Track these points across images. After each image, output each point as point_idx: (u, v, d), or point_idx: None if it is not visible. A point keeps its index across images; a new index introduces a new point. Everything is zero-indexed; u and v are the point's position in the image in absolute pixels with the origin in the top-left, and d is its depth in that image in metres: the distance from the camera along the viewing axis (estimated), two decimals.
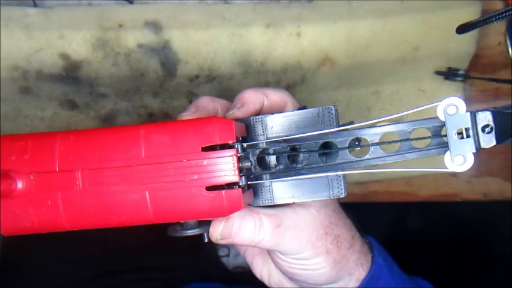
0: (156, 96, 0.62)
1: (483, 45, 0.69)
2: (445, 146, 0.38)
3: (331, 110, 0.41)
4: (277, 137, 0.41)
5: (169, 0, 0.60)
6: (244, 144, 0.38)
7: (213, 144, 0.37)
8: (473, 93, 0.71)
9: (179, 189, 0.36)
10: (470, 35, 0.65)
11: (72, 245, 0.69)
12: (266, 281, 0.50)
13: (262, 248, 0.44)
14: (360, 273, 0.48)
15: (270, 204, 0.43)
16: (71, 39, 0.57)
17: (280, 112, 0.42)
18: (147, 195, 0.36)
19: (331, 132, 0.40)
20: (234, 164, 0.37)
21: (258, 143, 0.41)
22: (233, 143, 0.37)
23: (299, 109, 0.42)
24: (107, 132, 0.38)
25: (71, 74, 0.58)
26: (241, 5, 0.61)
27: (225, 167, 0.36)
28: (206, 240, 0.41)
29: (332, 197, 0.42)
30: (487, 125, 0.37)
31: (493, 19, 0.40)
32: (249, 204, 0.42)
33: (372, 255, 0.50)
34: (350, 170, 0.41)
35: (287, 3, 0.62)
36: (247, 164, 0.38)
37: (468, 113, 0.37)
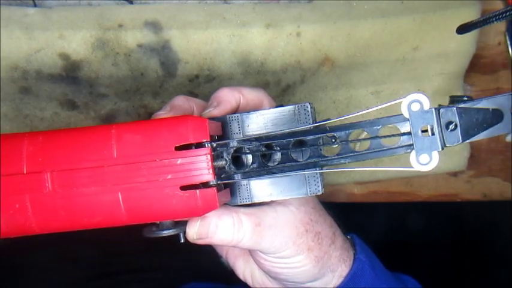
0: (156, 96, 0.62)
1: (483, 45, 0.69)
2: (411, 144, 0.37)
3: (307, 107, 0.41)
4: (253, 135, 0.41)
5: (169, 0, 0.60)
6: (217, 143, 0.38)
7: (187, 143, 0.36)
8: (473, 94, 0.71)
9: (152, 190, 0.36)
10: (470, 35, 0.65)
11: (70, 245, 0.69)
12: (249, 282, 0.49)
13: (242, 248, 0.44)
14: (343, 269, 0.48)
15: (248, 202, 0.43)
16: (70, 39, 0.57)
17: (257, 110, 0.42)
18: (120, 196, 0.36)
19: (303, 130, 0.40)
20: (208, 163, 0.36)
21: (233, 142, 0.40)
22: (207, 141, 0.36)
23: (276, 107, 0.42)
24: (77, 132, 0.37)
25: (71, 74, 0.58)
26: (241, 5, 0.61)
27: (199, 166, 0.36)
28: (182, 240, 0.41)
29: (309, 194, 0.42)
30: (451, 122, 0.36)
31: (493, 19, 0.40)
32: (227, 204, 0.42)
33: (354, 251, 0.49)
34: (318, 169, 0.40)
35: (287, 3, 0.62)
36: (222, 162, 0.38)
37: (433, 110, 0.36)
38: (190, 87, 0.62)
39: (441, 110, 0.36)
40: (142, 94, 0.62)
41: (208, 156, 0.36)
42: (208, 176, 0.36)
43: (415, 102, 0.36)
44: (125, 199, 0.36)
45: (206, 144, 0.36)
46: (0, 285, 0.74)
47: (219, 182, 0.38)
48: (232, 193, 0.42)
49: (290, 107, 0.42)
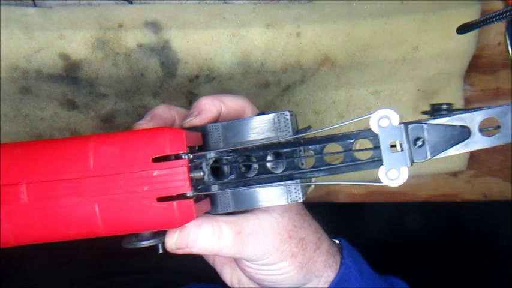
0: (156, 96, 0.62)
1: (483, 45, 0.69)
2: (380, 159, 0.37)
3: (286, 115, 0.41)
4: (233, 146, 0.41)
5: (169, 0, 0.60)
6: (194, 155, 0.38)
7: (164, 155, 0.36)
8: (473, 94, 0.71)
9: (129, 201, 0.36)
10: (470, 35, 0.65)
11: (66, 247, 0.69)
12: None
13: (224, 256, 0.44)
14: (329, 274, 0.48)
15: (229, 211, 0.42)
16: (70, 39, 0.57)
17: (237, 119, 0.42)
18: (97, 208, 0.36)
19: (278, 143, 0.40)
20: (184, 174, 0.36)
21: (210, 153, 0.40)
22: (184, 153, 0.36)
23: (258, 115, 0.42)
24: (54, 144, 0.37)
25: (71, 74, 0.58)
26: (241, 5, 0.61)
27: (175, 177, 0.36)
28: (161, 251, 0.41)
29: (290, 202, 0.42)
30: (419, 138, 0.36)
31: (493, 19, 0.40)
32: (209, 213, 0.42)
33: (341, 256, 0.49)
34: (294, 182, 0.40)
35: (287, 3, 0.62)
36: (199, 174, 0.38)
37: (401, 126, 0.36)
38: (190, 87, 0.62)
39: (410, 126, 0.36)
40: (142, 94, 0.62)
41: (185, 168, 0.36)
42: (185, 187, 0.36)
43: (384, 118, 0.36)
44: (101, 211, 0.36)
45: (183, 156, 0.36)
46: (1, 285, 0.74)
47: (196, 193, 0.38)
48: (213, 202, 0.42)
49: (270, 115, 0.42)
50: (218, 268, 0.51)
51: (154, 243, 0.40)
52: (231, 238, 0.41)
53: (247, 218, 0.43)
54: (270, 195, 0.42)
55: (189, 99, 0.63)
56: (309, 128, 0.41)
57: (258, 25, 0.60)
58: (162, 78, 0.61)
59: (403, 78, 0.67)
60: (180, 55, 0.60)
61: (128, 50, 0.59)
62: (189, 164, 0.37)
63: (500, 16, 0.40)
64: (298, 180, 0.41)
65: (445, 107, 0.51)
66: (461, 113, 0.36)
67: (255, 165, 0.41)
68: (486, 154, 0.72)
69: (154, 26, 0.59)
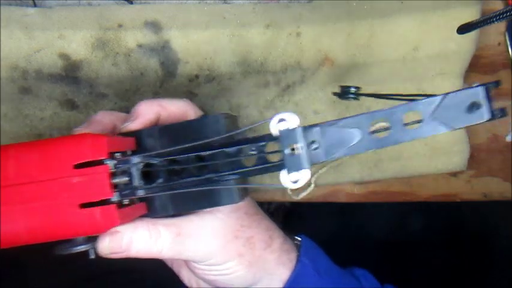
0: (156, 96, 0.62)
1: (483, 45, 0.69)
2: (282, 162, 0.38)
3: (218, 118, 0.41)
4: (169, 147, 0.41)
5: (169, 0, 0.60)
6: (118, 160, 0.38)
7: (85, 161, 0.36)
8: None
9: (52, 209, 0.36)
10: (470, 35, 0.65)
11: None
12: None
13: (165, 258, 0.44)
14: (283, 272, 0.48)
15: (166, 215, 0.43)
16: (70, 39, 0.57)
17: (171, 123, 0.42)
18: (19, 217, 0.36)
19: (198, 146, 0.40)
20: (105, 180, 0.36)
21: (134, 158, 0.40)
22: (106, 159, 0.36)
23: (200, 118, 0.43)
24: None
25: (71, 74, 0.58)
26: (241, 5, 0.61)
27: (97, 183, 0.36)
28: (92, 256, 0.40)
29: (223, 205, 0.42)
30: (313, 141, 0.37)
31: (494, 19, 0.40)
32: (148, 216, 0.42)
33: (298, 254, 0.49)
34: (215, 185, 0.40)
35: (287, 3, 0.62)
36: (124, 179, 0.38)
37: (298, 129, 0.37)
38: (190, 87, 0.62)
39: (305, 129, 0.37)
40: (142, 94, 0.62)
41: (106, 173, 0.36)
42: (106, 193, 0.36)
43: (283, 122, 0.37)
44: (24, 219, 0.36)
45: (107, 162, 0.37)
46: (1, 285, 0.74)
47: (120, 199, 0.38)
48: (153, 206, 0.43)
49: (203, 119, 0.42)
50: (176, 270, 0.51)
51: (87, 248, 0.40)
52: (169, 240, 0.41)
53: (189, 219, 0.43)
54: (205, 198, 0.42)
55: (189, 99, 0.63)
56: (238, 128, 0.41)
57: (258, 25, 0.60)
58: (162, 78, 0.61)
59: (403, 78, 0.67)
60: (180, 55, 0.60)
61: (128, 50, 0.59)
62: (115, 169, 0.37)
63: (500, 16, 0.40)
64: (232, 182, 0.41)
65: (352, 90, 0.52)
66: (354, 116, 0.37)
67: (181, 169, 0.41)
68: (486, 154, 0.72)
69: (154, 26, 0.59)
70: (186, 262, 0.47)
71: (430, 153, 0.68)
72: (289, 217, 1.07)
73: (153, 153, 0.40)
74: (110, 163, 0.37)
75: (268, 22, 0.60)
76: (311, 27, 0.61)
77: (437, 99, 0.37)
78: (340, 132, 0.37)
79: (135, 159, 0.40)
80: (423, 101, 0.37)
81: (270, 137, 0.38)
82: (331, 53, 0.63)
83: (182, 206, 0.43)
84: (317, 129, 0.37)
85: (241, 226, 0.45)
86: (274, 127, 0.37)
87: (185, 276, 0.50)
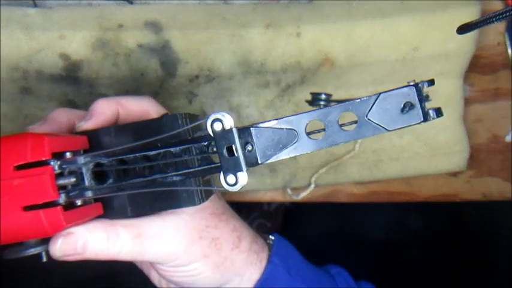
0: (156, 96, 0.62)
1: (482, 46, 0.69)
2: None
3: (176, 118, 0.40)
4: (120, 146, 0.39)
5: (169, 0, 0.60)
6: (62, 160, 0.36)
7: (26, 162, 0.35)
8: (473, 94, 0.71)
9: None
10: (470, 35, 0.65)
11: None
12: None
13: (124, 260, 0.42)
14: (252, 273, 0.47)
15: (125, 216, 0.41)
16: (71, 40, 0.57)
17: (126, 123, 0.41)
18: None
19: (144, 145, 0.38)
20: (48, 181, 0.35)
21: (80, 158, 0.39)
22: (49, 159, 0.35)
23: (161, 117, 0.42)
24: None
25: (71, 74, 0.59)
26: (241, 5, 0.61)
27: (40, 185, 0.34)
28: (44, 259, 0.39)
29: (185, 207, 0.41)
30: (248, 143, 0.36)
31: (493, 19, 0.40)
32: (106, 217, 0.41)
33: (269, 254, 0.48)
34: (165, 188, 0.39)
35: (287, 4, 0.62)
36: (69, 180, 0.36)
37: (233, 130, 0.35)
38: (190, 87, 0.62)
39: (240, 130, 0.36)
40: (142, 94, 0.62)
41: (49, 174, 0.35)
42: (50, 195, 0.35)
43: (217, 122, 0.35)
44: None
45: (50, 162, 0.35)
46: (1, 285, 0.74)
47: (66, 200, 0.36)
48: (111, 207, 0.41)
49: (160, 119, 0.41)
50: (146, 271, 0.50)
51: (40, 251, 0.38)
52: (129, 241, 0.40)
53: (151, 220, 0.41)
54: (164, 199, 0.40)
55: (189, 99, 0.63)
56: (188, 125, 0.40)
57: (258, 25, 0.60)
58: (162, 78, 0.61)
59: (403, 78, 0.67)
60: (180, 55, 0.60)
61: (128, 50, 0.59)
62: (61, 170, 0.36)
63: (500, 16, 0.40)
64: (192, 183, 0.40)
65: (323, 96, 0.50)
66: (289, 116, 0.36)
67: (129, 169, 0.40)
68: (486, 154, 0.72)
69: (155, 26, 0.59)
70: (152, 264, 0.45)
71: (430, 153, 0.68)
72: (289, 217, 1.07)
73: (100, 152, 0.39)
74: (54, 164, 0.35)
75: (268, 22, 0.61)
76: (311, 27, 0.61)
77: (372, 98, 0.35)
78: (276, 133, 0.36)
79: (82, 159, 0.38)
80: (357, 101, 0.35)
81: (210, 137, 0.36)
82: (331, 53, 0.63)
83: (141, 207, 0.41)
84: (250, 130, 0.36)
85: (206, 226, 0.44)
86: (210, 127, 0.36)
87: (155, 277, 0.49)
